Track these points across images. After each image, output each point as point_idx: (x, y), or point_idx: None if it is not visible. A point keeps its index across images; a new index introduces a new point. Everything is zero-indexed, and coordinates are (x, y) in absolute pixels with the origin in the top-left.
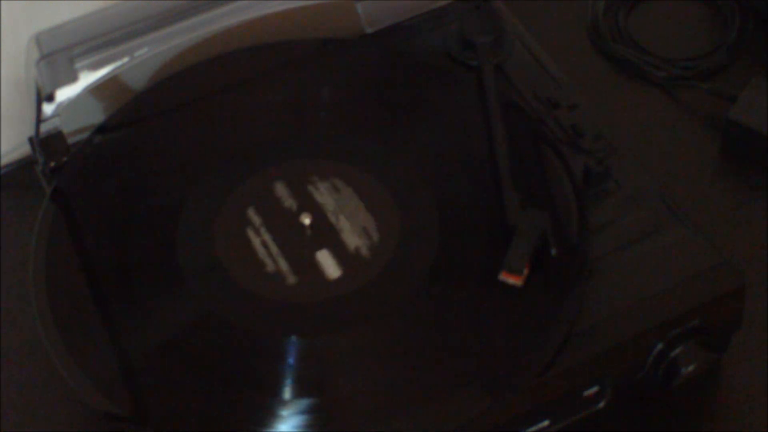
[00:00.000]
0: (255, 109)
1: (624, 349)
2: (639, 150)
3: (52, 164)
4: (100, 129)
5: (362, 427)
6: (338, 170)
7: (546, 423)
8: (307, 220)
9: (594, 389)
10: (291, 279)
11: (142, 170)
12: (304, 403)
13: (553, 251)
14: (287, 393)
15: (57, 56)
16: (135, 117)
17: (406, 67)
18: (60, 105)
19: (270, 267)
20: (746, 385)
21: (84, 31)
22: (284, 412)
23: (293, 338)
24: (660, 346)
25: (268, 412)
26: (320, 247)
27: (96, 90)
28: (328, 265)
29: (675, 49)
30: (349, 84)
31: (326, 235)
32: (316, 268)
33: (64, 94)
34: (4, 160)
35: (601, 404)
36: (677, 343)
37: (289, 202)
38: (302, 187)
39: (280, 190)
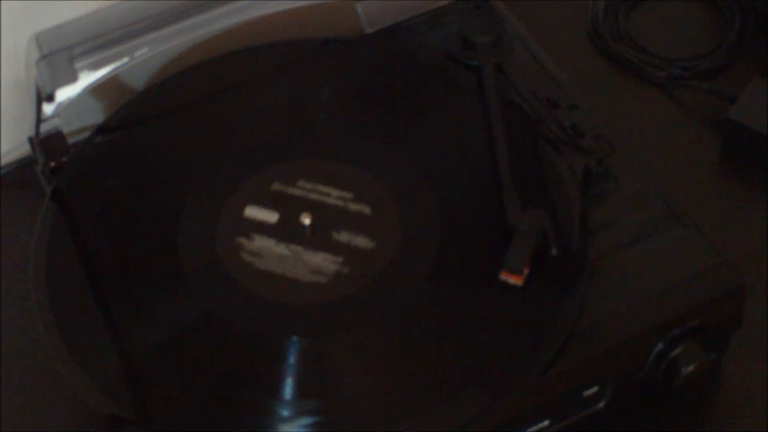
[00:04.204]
0: (255, 110)
1: (624, 349)
2: (639, 150)
3: (52, 164)
4: (100, 129)
5: (363, 428)
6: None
7: (546, 423)
8: (307, 220)
9: (594, 389)
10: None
11: (142, 170)
12: (304, 403)
13: (553, 251)
14: (288, 393)
15: (57, 56)
16: (135, 117)
17: (406, 67)
18: (60, 105)
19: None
20: (746, 385)
21: (84, 31)
22: (285, 413)
23: (294, 339)
24: (660, 346)
25: (269, 412)
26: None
27: (96, 90)
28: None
29: (675, 49)
30: (349, 84)
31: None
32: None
33: (64, 94)
34: (4, 160)
35: (601, 404)
36: (677, 343)
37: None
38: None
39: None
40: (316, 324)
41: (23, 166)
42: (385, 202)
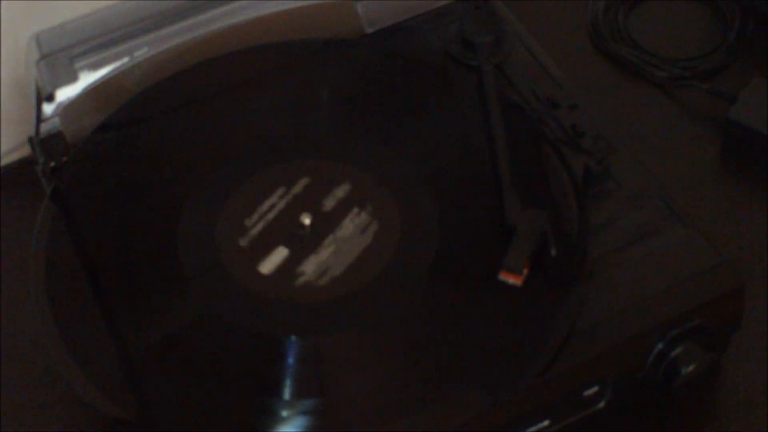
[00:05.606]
0: (255, 109)
1: (624, 349)
2: (639, 150)
3: (52, 164)
4: (100, 129)
5: (362, 428)
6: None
7: (546, 423)
8: (307, 220)
9: (594, 389)
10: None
11: (142, 170)
12: (304, 403)
13: (553, 251)
14: (288, 393)
15: (57, 56)
16: (135, 117)
17: (406, 67)
18: (60, 105)
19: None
20: (746, 385)
21: (84, 31)
22: (285, 413)
23: (294, 338)
24: (660, 346)
25: (269, 412)
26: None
27: (96, 90)
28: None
29: (675, 49)
30: (349, 84)
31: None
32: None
33: (64, 94)
34: (4, 160)
35: (601, 404)
36: (677, 343)
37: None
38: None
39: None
40: (316, 324)
41: (23, 166)
42: (385, 202)
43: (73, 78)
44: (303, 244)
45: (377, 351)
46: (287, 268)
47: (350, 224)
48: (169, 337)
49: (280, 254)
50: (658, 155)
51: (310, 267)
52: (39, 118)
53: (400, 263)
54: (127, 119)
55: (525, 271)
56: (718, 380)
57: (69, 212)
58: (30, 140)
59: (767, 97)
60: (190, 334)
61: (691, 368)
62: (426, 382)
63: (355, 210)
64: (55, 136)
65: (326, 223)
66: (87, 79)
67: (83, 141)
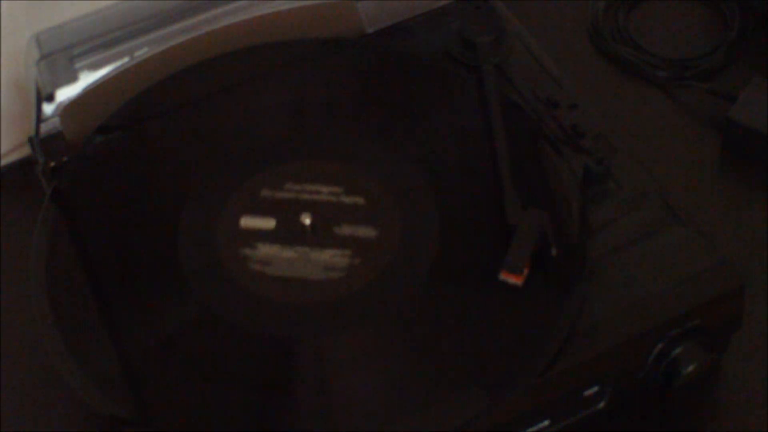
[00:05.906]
0: (255, 109)
1: (624, 349)
2: (639, 150)
3: (52, 164)
4: (101, 129)
5: (362, 428)
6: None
7: (546, 423)
8: (307, 220)
9: (594, 389)
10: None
11: (142, 170)
12: (304, 403)
13: (553, 251)
14: (287, 393)
15: (57, 56)
16: (135, 117)
17: (406, 67)
18: (60, 105)
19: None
20: (746, 385)
21: (84, 31)
22: (284, 413)
23: (294, 338)
24: (660, 346)
25: (269, 412)
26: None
27: (96, 90)
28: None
29: (675, 49)
30: (349, 84)
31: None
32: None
33: (64, 94)
34: (4, 160)
35: (601, 404)
36: (677, 343)
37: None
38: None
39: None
40: (315, 324)
41: (23, 166)
42: (385, 203)
43: (73, 78)
44: (284, 234)
45: (378, 351)
46: (254, 237)
47: (328, 257)
48: (169, 338)
49: (266, 223)
50: (658, 155)
51: (263, 251)
52: (39, 118)
53: (400, 263)
54: (127, 119)
55: (525, 271)
56: (718, 380)
57: (69, 212)
58: (30, 140)
59: (767, 97)
60: (190, 334)
61: (691, 368)
62: (426, 382)
63: (347, 252)
64: (55, 136)
65: (317, 238)
66: (87, 79)
67: (83, 141)
